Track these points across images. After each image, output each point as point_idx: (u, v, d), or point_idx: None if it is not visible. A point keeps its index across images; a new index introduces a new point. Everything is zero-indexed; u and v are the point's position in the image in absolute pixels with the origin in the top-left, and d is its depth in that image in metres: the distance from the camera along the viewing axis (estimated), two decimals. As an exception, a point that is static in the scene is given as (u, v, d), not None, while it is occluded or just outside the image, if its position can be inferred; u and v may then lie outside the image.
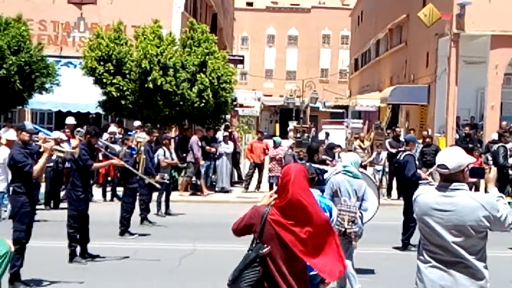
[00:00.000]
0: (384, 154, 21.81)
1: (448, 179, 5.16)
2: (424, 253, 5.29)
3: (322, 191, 7.67)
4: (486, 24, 27.02)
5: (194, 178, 22.63)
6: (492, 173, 5.54)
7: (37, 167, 10.24)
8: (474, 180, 12.40)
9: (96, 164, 11.04)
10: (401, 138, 20.46)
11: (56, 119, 24.94)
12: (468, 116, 28.33)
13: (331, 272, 5.18)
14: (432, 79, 30.88)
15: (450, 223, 5.11)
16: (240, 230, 5.24)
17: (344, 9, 69.59)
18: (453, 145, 21.02)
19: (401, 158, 15.20)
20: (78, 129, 19.44)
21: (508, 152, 17.20)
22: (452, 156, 5.21)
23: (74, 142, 14.65)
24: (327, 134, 29.01)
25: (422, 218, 5.31)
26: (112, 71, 22.59)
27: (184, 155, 21.37)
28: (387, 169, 21.55)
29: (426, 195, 5.36)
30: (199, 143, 22.55)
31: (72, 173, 12.48)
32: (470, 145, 18.97)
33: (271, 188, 21.71)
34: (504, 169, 16.42)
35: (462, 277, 5.14)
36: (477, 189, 14.81)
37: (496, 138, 22.20)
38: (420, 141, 20.94)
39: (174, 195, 18.96)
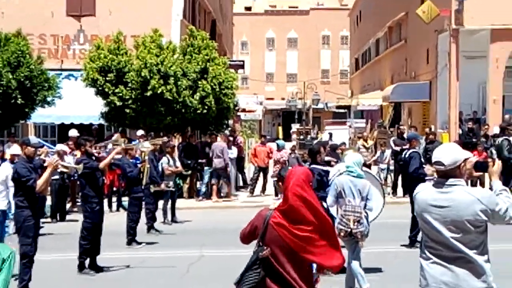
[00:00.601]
0: (388, 152, 21.91)
1: (444, 175, 5.23)
2: (426, 250, 5.35)
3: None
4: (485, 19, 27.15)
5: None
6: (496, 166, 5.48)
7: (40, 182, 10.26)
8: (478, 174, 12.47)
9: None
10: (405, 136, 20.33)
11: (59, 132, 25.00)
12: (471, 111, 28.38)
13: (333, 264, 5.37)
14: (433, 75, 31.02)
15: (448, 219, 5.16)
16: (246, 236, 5.36)
17: (343, 10, 69.88)
18: (456, 140, 21.05)
19: (406, 155, 15.18)
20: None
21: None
22: (448, 153, 5.27)
23: (78, 153, 14.66)
24: (331, 135, 29.05)
25: (421, 215, 5.38)
26: (113, 81, 22.67)
27: (189, 162, 20.86)
28: (391, 167, 21.49)
29: (424, 192, 5.42)
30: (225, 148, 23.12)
31: (84, 185, 12.45)
32: (474, 140, 19.04)
33: (276, 191, 21.67)
34: (508, 162, 16.40)
35: (463, 272, 5.18)
36: (482, 184, 14.86)
37: (498, 131, 22.12)
38: (424, 138, 20.83)
39: (178, 202, 18.82)
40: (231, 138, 24.49)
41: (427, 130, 24.52)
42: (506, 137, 17.93)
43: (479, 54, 28.01)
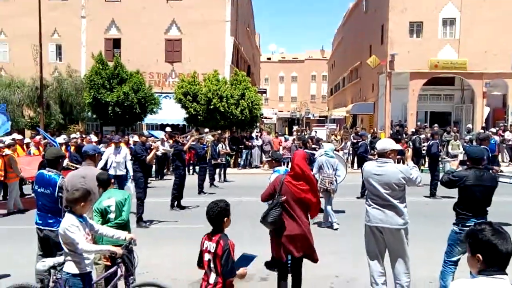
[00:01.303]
0: (349, 143, 22.00)
1: (381, 156, 5.60)
2: (369, 200, 5.74)
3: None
4: (406, 66, 27.29)
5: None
6: (410, 152, 6.25)
7: (149, 157, 10.95)
8: (399, 157, 12.81)
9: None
10: (359, 133, 20.26)
11: (160, 128, 25.35)
12: (397, 120, 28.13)
13: (318, 205, 5.54)
14: (376, 99, 31.41)
15: (382, 182, 5.52)
16: (267, 196, 5.48)
17: (324, 59, 70.81)
18: (389, 137, 20.86)
19: (359, 145, 15.63)
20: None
21: (422, 140, 17.10)
22: (380, 144, 5.77)
23: (171, 141, 14.75)
24: (316, 132, 28.86)
25: (367, 179, 5.73)
26: (191, 100, 23.10)
27: (234, 147, 21.55)
28: (351, 152, 21.44)
29: (368, 165, 5.86)
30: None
31: (175, 159, 12.85)
32: (399, 137, 18.93)
33: (285, 164, 21.79)
34: (418, 150, 16.28)
35: (391, 213, 5.57)
36: (403, 162, 14.74)
37: (413, 132, 22.46)
38: (370, 135, 20.70)
39: (228, 170, 19.15)
40: (258, 134, 24.66)
41: (372, 130, 24.40)
42: (418, 135, 17.98)
43: (403, 86, 27.98)
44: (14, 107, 23.66)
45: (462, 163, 6.82)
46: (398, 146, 5.82)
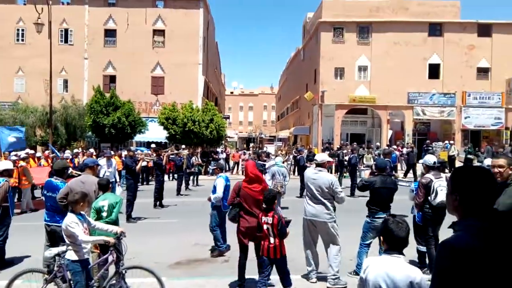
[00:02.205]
0: (291, 157, 21.82)
1: (318, 166, 5.61)
2: (306, 198, 5.71)
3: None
4: (333, 100, 28.03)
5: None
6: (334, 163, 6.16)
7: (137, 167, 10.86)
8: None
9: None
10: (299, 149, 20.39)
11: (147, 145, 24.74)
12: (327, 139, 28.53)
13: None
14: (311, 123, 31.63)
15: (316, 184, 5.52)
16: (231, 200, 5.33)
17: (273, 94, 72.26)
18: (322, 151, 21.17)
19: (298, 158, 15.45)
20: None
21: (344, 154, 17.40)
22: (320, 156, 5.85)
23: (154, 155, 14.33)
24: (267, 148, 28.94)
25: (306, 183, 5.70)
26: (171, 123, 22.78)
27: (204, 159, 21.36)
28: (293, 163, 21.49)
29: (308, 172, 5.80)
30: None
31: (156, 169, 12.68)
32: (327, 152, 19.17)
33: (243, 172, 21.55)
34: (342, 161, 16.57)
35: (321, 208, 5.51)
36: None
37: (338, 148, 22.61)
38: (306, 150, 20.91)
39: (199, 177, 18.64)
40: (223, 149, 24.47)
41: (308, 147, 24.62)
42: (341, 151, 18.23)
43: (330, 115, 28.40)
44: (28, 128, 22.96)
45: (371, 173, 7.05)
46: (330, 159, 6.13)
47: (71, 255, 4.14)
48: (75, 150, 17.62)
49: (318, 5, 30.24)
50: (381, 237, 2.51)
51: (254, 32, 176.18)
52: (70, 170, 10.55)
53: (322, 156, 5.71)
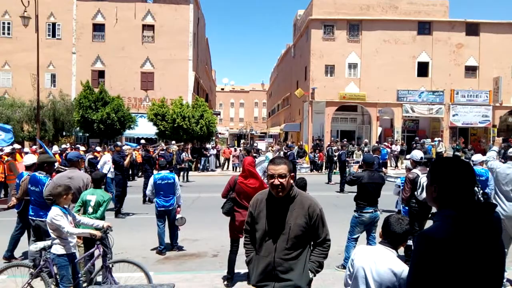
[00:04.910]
0: (282, 153, 21.83)
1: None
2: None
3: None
4: (323, 97, 28.00)
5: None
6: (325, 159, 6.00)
7: (125, 162, 10.77)
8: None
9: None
10: (289, 145, 20.48)
11: (136, 141, 24.52)
12: (317, 136, 28.60)
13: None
14: (302, 120, 31.57)
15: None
16: (226, 193, 5.33)
17: (264, 90, 72.21)
18: (311, 149, 21.30)
19: (288, 154, 15.45)
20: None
21: (334, 151, 17.52)
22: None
23: (141, 151, 14.18)
24: (257, 144, 28.94)
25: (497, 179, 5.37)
26: (160, 119, 22.56)
27: (195, 155, 21.17)
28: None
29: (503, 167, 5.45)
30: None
31: (145, 164, 12.74)
32: (318, 148, 19.30)
33: (233, 168, 21.57)
34: (331, 157, 16.67)
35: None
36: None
37: (328, 144, 22.69)
38: (297, 147, 21.00)
39: (190, 173, 18.58)
40: (213, 145, 24.37)
41: (299, 143, 24.72)
42: (331, 147, 18.34)
43: (321, 111, 28.40)
44: (15, 123, 22.54)
45: (360, 167, 7.12)
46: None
47: (57, 249, 4.10)
48: (63, 146, 17.44)
49: (309, 3, 30.25)
50: (381, 229, 2.67)
51: (245, 29, 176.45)
52: (57, 165, 10.45)
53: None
